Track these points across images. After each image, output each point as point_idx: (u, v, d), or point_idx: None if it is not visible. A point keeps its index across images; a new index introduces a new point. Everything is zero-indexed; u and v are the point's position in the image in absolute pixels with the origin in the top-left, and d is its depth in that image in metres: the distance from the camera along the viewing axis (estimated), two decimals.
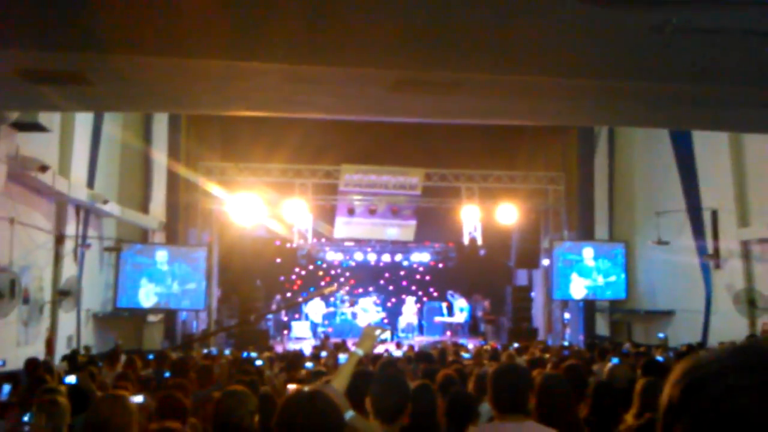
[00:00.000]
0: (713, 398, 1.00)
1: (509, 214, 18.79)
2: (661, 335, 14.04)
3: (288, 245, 21.97)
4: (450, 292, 23.41)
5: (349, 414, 2.71)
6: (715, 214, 15.24)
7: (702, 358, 1.07)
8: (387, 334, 4.44)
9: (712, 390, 1.01)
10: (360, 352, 3.31)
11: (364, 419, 2.99)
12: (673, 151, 16.32)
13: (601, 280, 18.28)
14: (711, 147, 14.92)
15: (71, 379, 5.82)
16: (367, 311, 22.62)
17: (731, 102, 7.86)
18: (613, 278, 18.29)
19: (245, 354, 11.53)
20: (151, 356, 10.97)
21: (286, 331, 21.79)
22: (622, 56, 6.51)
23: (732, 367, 1.01)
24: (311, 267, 24.63)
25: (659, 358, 7.93)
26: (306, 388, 2.66)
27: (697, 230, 15.84)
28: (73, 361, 9.76)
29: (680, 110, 8.99)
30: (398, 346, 13.32)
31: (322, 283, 24.29)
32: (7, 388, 5.33)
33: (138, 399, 3.78)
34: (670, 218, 16.31)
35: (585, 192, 18.67)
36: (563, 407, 4.30)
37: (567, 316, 19.39)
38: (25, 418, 3.87)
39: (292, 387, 2.74)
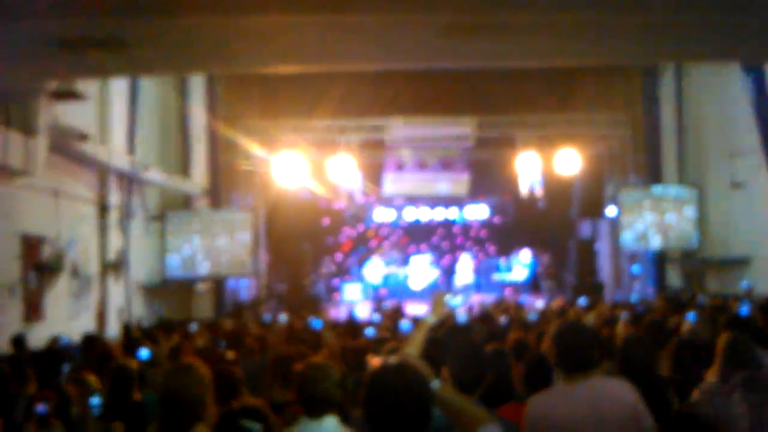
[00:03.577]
0: None
1: (570, 161, 18.46)
2: (745, 284, 13.76)
3: (335, 205, 22.10)
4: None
5: (435, 383, 2.75)
6: None
7: None
8: (458, 300, 4.45)
9: None
10: (432, 320, 3.33)
11: (449, 388, 3.03)
12: (746, 87, 15.79)
13: (671, 228, 17.96)
14: None
15: (144, 353, 5.99)
16: (421, 271, 22.70)
17: None
18: (684, 225, 17.96)
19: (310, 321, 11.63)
20: (194, 327, 11.11)
21: (337, 294, 22.04)
22: None
23: None
24: (360, 227, 24.75)
25: (743, 310, 7.79)
26: (391, 360, 2.70)
27: None
28: (128, 334, 10.06)
29: (753, 41, 8.68)
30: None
31: (373, 244, 24.43)
32: (65, 367, 5.50)
33: None
34: (745, 159, 15.88)
35: (651, 134, 18.27)
36: (646, 370, 4.30)
37: (636, 268, 19.15)
38: (95, 401, 3.92)
39: (375, 360, 2.77)
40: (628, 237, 18.09)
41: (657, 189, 18.19)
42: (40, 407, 2.88)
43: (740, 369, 4.23)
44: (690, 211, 17.93)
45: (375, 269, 22.43)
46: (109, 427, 4.22)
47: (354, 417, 3.73)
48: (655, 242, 18.03)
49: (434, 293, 3.60)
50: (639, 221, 18.01)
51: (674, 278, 18.62)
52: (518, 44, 8.43)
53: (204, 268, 17.62)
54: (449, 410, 2.84)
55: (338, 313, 17.34)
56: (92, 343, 7.61)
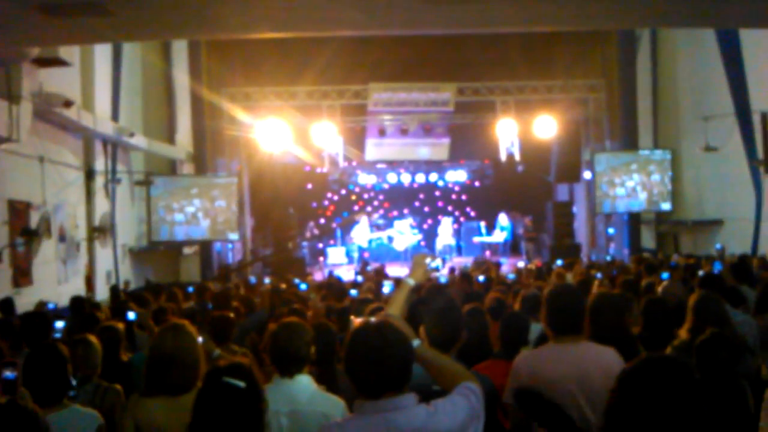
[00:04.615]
0: None
1: (548, 126, 18.48)
2: (718, 246, 13.92)
3: (318, 170, 22.03)
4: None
5: (416, 342, 2.75)
6: (765, 117, 14.82)
7: None
8: (438, 262, 4.44)
9: None
10: (411, 281, 3.32)
11: (430, 347, 3.04)
12: (719, 51, 15.80)
13: (645, 191, 18.09)
14: (760, 46, 14.40)
15: (132, 315, 5.95)
16: (403, 234, 22.74)
17: None
18: (658, 188, 18.09)
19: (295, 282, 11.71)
20: (191, 289, 11.23)
21: (321, 258, 22.08)
22: None
23: None
24: (343, 191, 24.70)
25: (716, 268, 7.89)
26: (372, 320, 2.71)
27: (747, 134, 15.48)
28: (115, 296, 10.03)
29: (729, 5, 8.65)
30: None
31: (356, 208, 24.41)
32: (61, 324, 5.42)
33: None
34: (718, 123, 15.94)
35: (627, 99, 18.22)
36: (615, 326, 4.33)
37: (611, 230, 19.30)
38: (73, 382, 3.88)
39: (357, 320, 2.77)
40: (603, 201, 18.22)
41: (631, 153, 18.28)
42: (7, 373, 2.84)
43: (710, 326, 4.29)
44: (664, 174, 18.05)
45: (362, 232, 22.43)
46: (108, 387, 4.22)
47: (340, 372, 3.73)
48: (632, 205, 18.18)
49: (415, 255, 3.58)
50: (613, 185, 18.13)
51: (648, 240, 18.78)
52: (499, 9, 8.36)
53: (190, 231, 17.59)
54: (430, 368, 2.85)
55: (323, 276, 17.39)
56: (80, 304, 7.57)
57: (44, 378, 3.56)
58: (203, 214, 17.62)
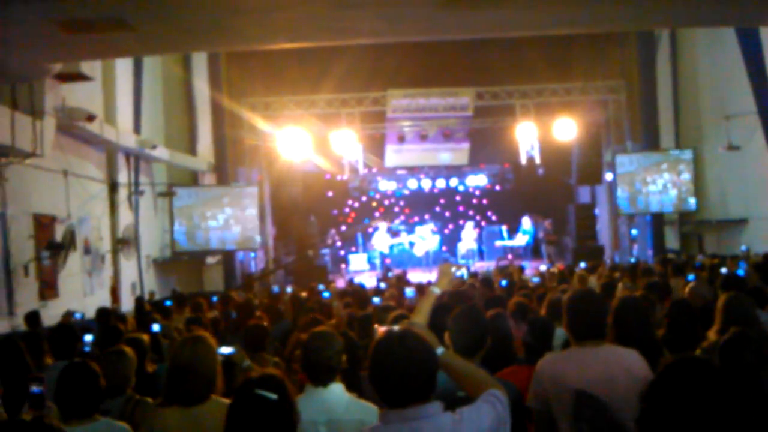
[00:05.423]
0: None
1: (568, 129, 18.41)
2: (743, 248, 13.77)
3: (338, 178, 22.09)
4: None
5: (440, 350, 2.75)
6: None
7: None
8: (463, 271, 4.44)
9: None
10: (437, 290, 3.34)
11: (454, 354, 3.04)
12: (740, 50, 15.65)
13: (675, 188, 17.97)
14: None
15: (156, 327, 5.98)
16: (425, 239, 22.69)
17: None
18: (686, 186, 17.95)
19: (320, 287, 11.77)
20: (215, 298, 11.30)
21: (343, 265, 22.10)
22: None
23: None
24: (364, 198, 24.71)
25: (739, 271, 7.80)
26: (395, 328, 2.71)
27: None
28: (140, 308, 10.10)
29: (749, 4, 8.57)
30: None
31: (376, 214, 24.42)
32: (89, 337, 5.45)
33: (227, 350, 3.84)
34: (740, 121, 15.77)
35: (648, 99, 18.09)
36: (640, 329, 4.30)
37: (634, 231, 19.15)
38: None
39: (381, 329, 2.76)
40: (637, 196, 18.14)
41: (653, 153, 18.16)
42: (35, 388, 2.87)
43: (739, 327, 4.23)
44: (686, 175, 17.91)
45: (382, 238, 22.42)
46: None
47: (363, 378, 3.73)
48: (664, 200, 18.07)
49: (441, 265, 3.60)
50: (636, 186, 18.01)
51: (672, 240, 18.61)
52: (516, 14, 8.34)
53: (212, 242, 17.72)
54: (455, 375, 2.84)
55: (345, 284, 17.40)
56: (107, 315, 7.64)
57: (76, 394, 3.60)
58: (234, 221, 17.93)
